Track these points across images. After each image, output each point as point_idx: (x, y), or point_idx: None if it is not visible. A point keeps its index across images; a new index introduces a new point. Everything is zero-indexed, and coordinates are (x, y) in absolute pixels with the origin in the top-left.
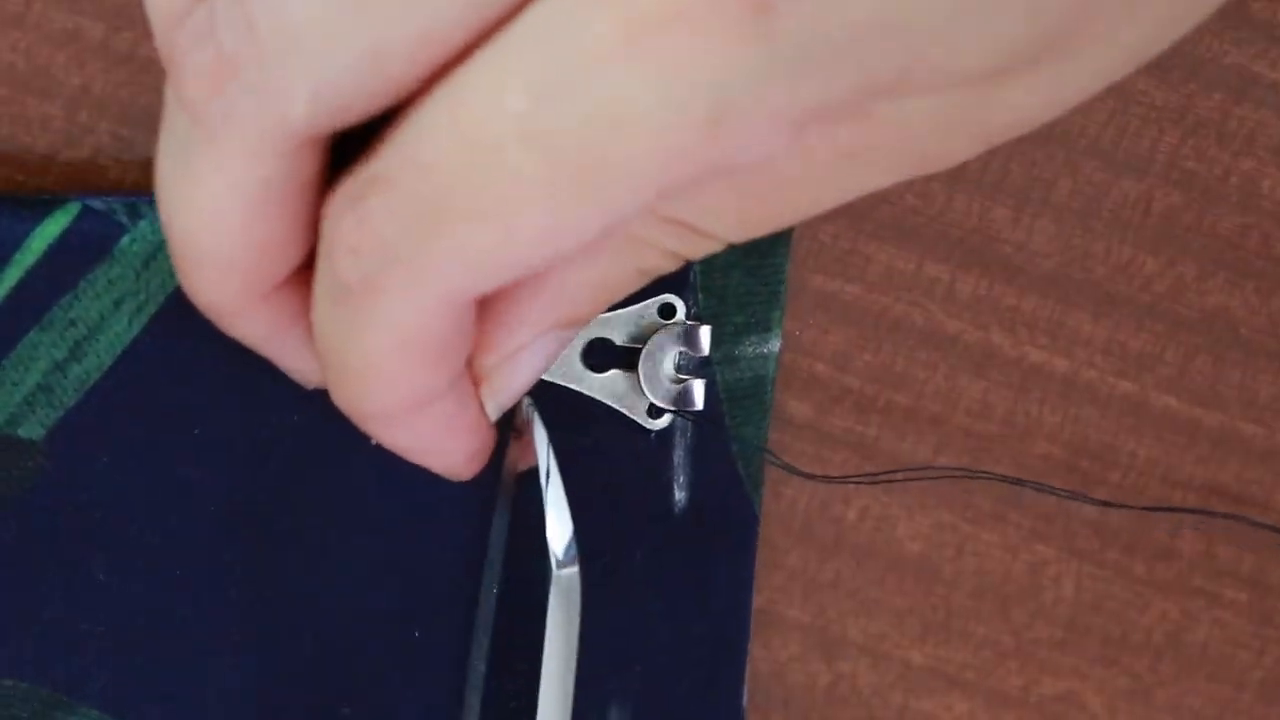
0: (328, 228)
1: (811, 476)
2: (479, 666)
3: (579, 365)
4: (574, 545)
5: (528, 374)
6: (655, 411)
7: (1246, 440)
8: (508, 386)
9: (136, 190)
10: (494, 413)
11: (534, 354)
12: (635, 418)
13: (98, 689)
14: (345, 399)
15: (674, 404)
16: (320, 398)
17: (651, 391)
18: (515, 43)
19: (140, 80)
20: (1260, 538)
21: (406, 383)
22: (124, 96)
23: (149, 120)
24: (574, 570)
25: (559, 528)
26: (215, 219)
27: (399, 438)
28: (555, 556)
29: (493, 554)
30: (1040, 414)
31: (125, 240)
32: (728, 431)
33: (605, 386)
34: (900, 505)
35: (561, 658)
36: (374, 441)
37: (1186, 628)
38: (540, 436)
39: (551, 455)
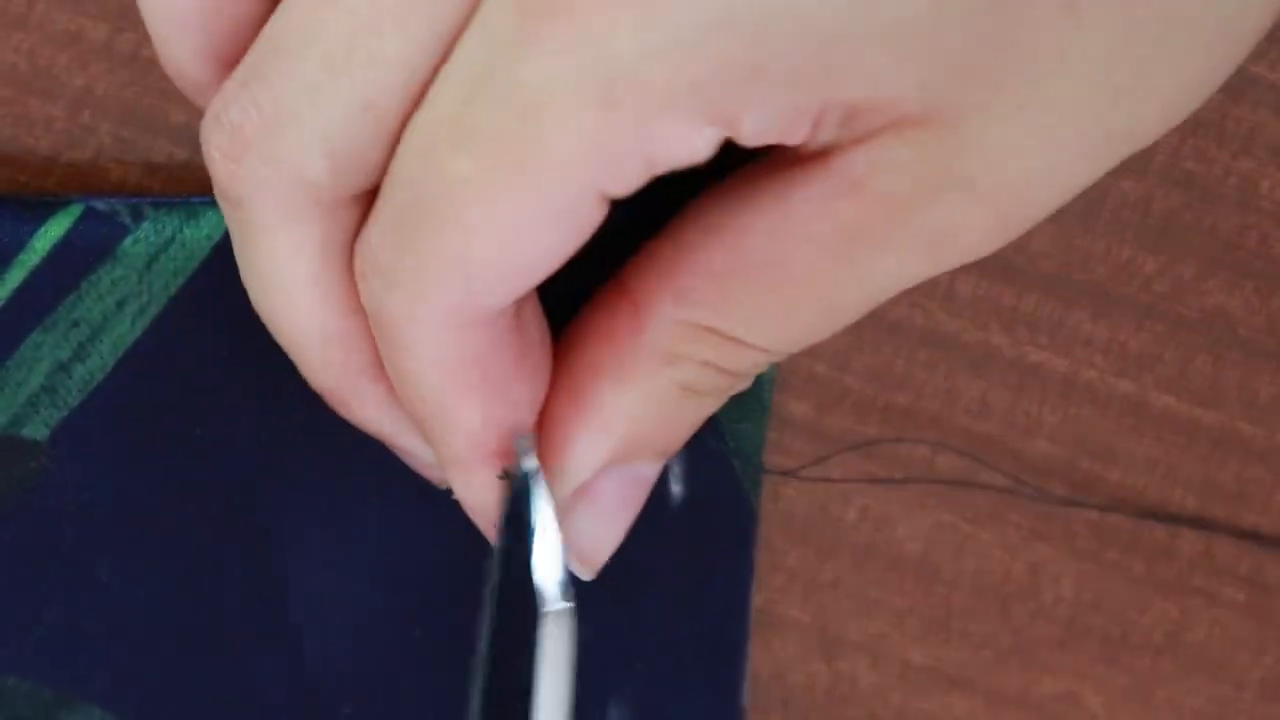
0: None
1: (785, 473)
2: (483, 667)
3: None
4: (568, 580)
5: (611, 525)
6: None
7: (1246, 440)
8: (590, 532)
9: (139, 191)
10: (578, 559)
11: (608, 498)
12: None
13: (100, 688)
14: (426, 453)
15: None
16: (322, 399)
17: None
18: (453, 56)
19: (143, 82)
20: (1260, 536)
21: (463, 416)
22: (127, 98)
23: (151, 122)
24: (566, 607)
25: (549, 564)
26: (290, 298)
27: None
28: (543, 595)
29: (492, 560)
30: (1040, 414)
31: (128, 241)
32: (720, 425)
33: None
34: (900, 505)
35: (556, 697)
36: (374, 442)
37: (1186, 627)
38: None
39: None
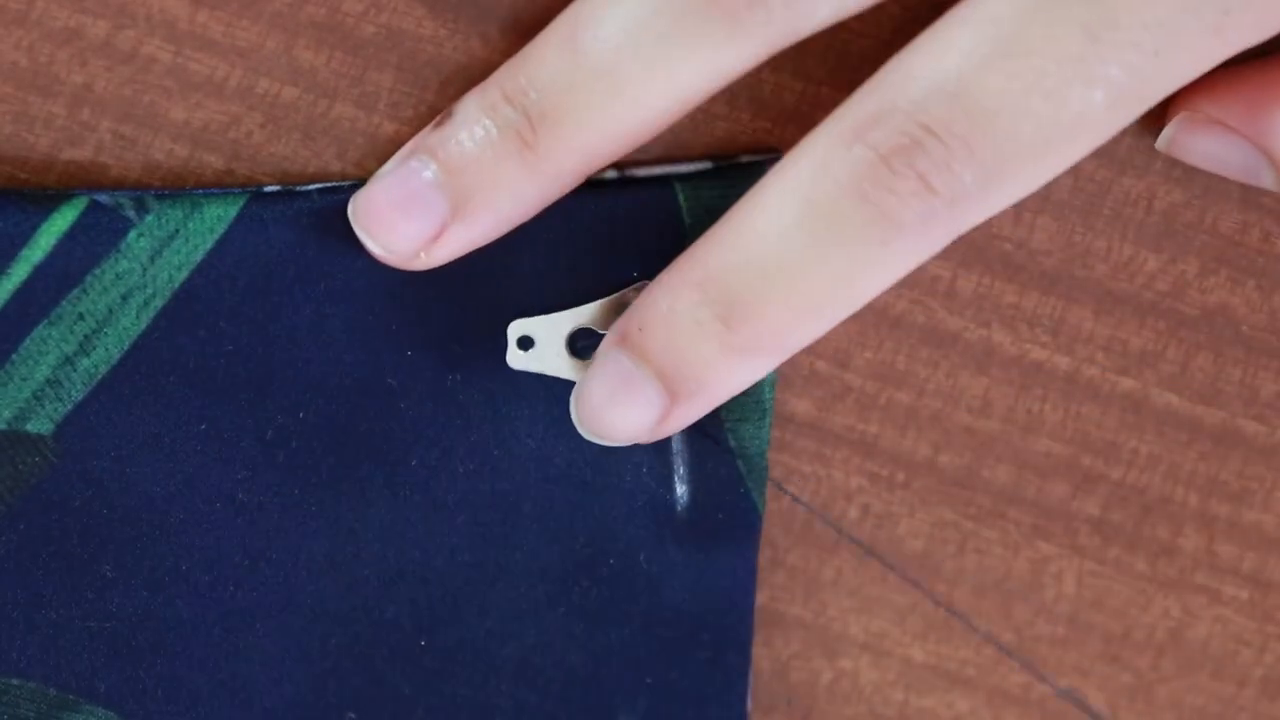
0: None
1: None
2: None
3: (566, 355)
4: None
5: None
6: None
7: (1248, 438)
8: None
9: (139, 188)
10: None
11: None
12: None
13: (104, 688)
14: None
15: None
16: (328, 395)
17: None
18: None
19: (143, 79)
20: (1262, 533)
21: None
22: (126, 95)
23: (151, 119)
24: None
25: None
26: None
27: None
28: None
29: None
30: (1042, 411)
31: (132, 234)
32: (723, 425)
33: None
34: (901, 503)
35: None
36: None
37: (1188, 625)
38: None
39: None
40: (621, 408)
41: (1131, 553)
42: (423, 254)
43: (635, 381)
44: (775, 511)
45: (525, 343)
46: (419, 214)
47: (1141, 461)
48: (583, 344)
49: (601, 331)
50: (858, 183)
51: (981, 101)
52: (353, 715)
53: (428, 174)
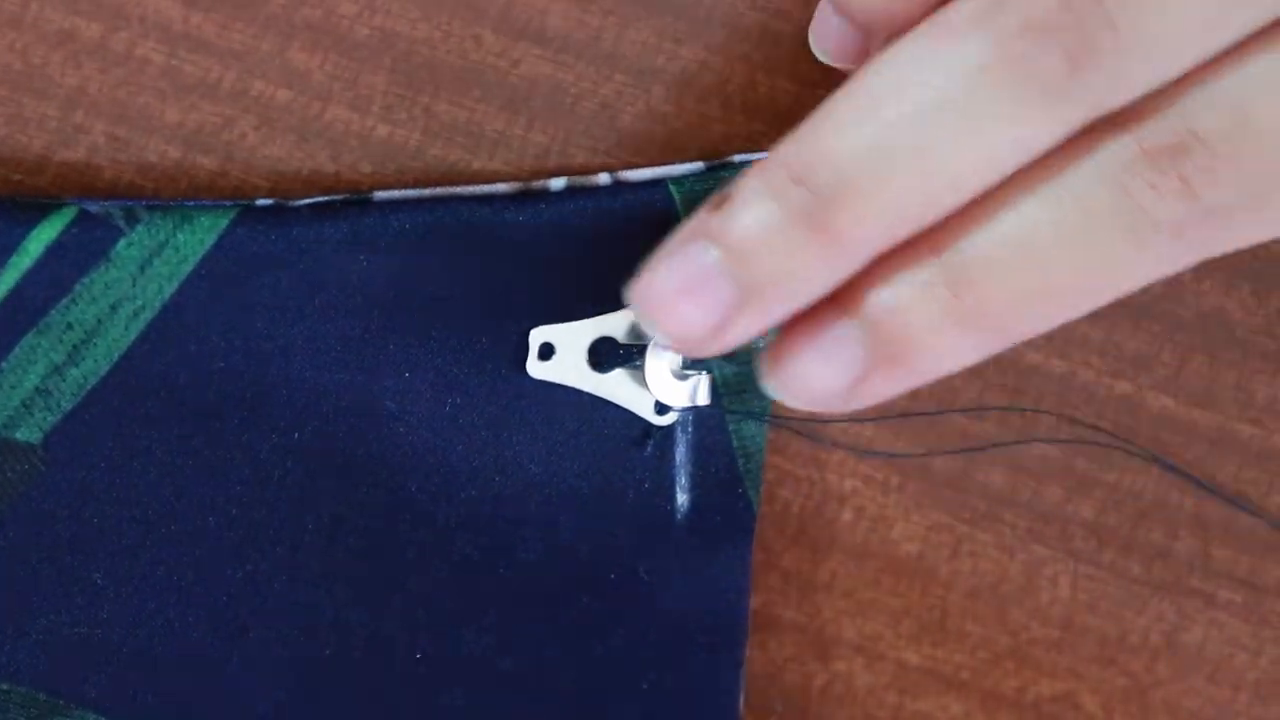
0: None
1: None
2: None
3: (585, 366)
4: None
5: None
6: (661, 408)
7: (1243, 441)
8: None
9: (132, 191)
10: None
11: None
12: (642, 414)
13: (94, 693)
14: None
15: (679, 400)
16: (323, 417)
17: (656, 389)
18: None
19: (136, 81)
20: (1256, 538)
21: None
22: (120, 97)
23: (145, 121)
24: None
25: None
26: None
27: None
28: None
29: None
30: (1037, 414)
31: (122, 244)
32: (726, 423)
33: (611, 385)
34: (896, 506)
35: None
36: (369, 453)
37: (1183, 628)
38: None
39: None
40: (820, 360)
41: (1126, 556)
42: (712, 340)
43: (839, 335)
44: (769, 514)
45: (546, 351)
46: (705, 299)
47: (1136, 465)
48: (603, 354)
49: (622, 341)
50: (1118, 173)
51: (1259, 122)
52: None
53: (711, 257)
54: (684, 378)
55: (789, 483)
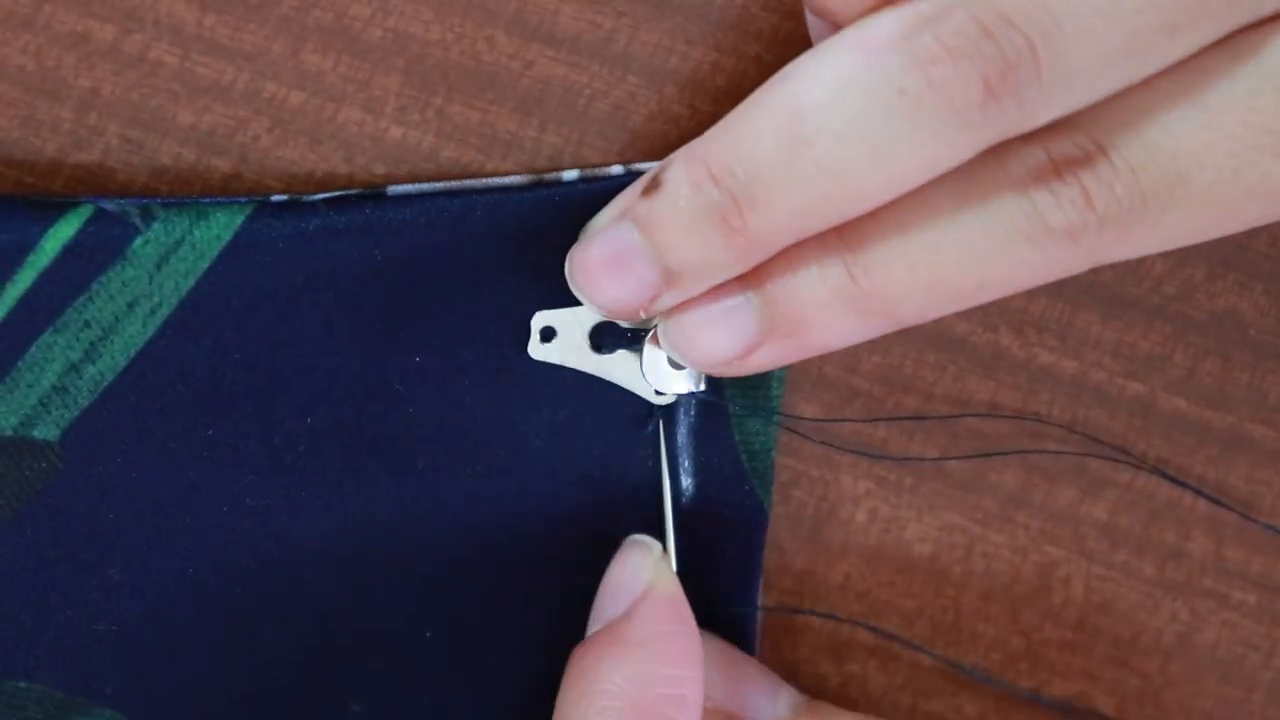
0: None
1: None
2: None
3: (586, 347)
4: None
5: None
6: (660, 393)
7: (1256, 442)
8: None
9: (146, 193)
10: None
11: None
12: (642, 394)
13: (111, 689)
14: None
15: (676, 387)
16: (334, 400)
17: (652, 376)
18: None
19: (150, 83)
20: (1269, 539)
21: None
22: (134, 99)
23: (158, 123)
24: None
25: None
26: None
27: None
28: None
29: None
30: (1049, 415)
31: (138, 242)
32: (729, 418)
33: (611, 366)
34: (909, 507)
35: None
36: (384, 445)
37: (1196, 629)
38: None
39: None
40: (715, 327)
41: (1139, 557)
42: (641, 311)
43: (736, 307)
44: (782, 515)
45: (548, 334)
46: (629, 278)
47: (1148, 465)
48: (605, 339)
49: (625, 326)
50: (1021, 177)
51: (1162, 140)
52: (357, 709)
53: (635, 240)
54: (681, 365)
55: (802, 484)
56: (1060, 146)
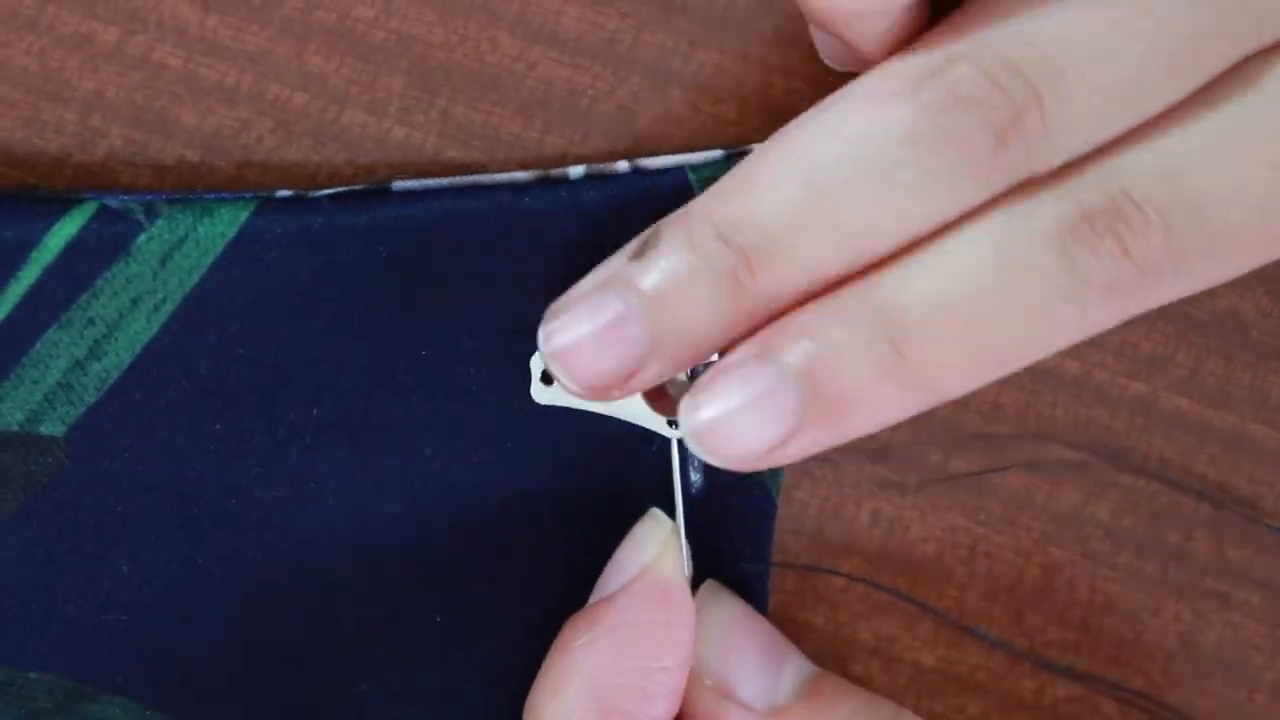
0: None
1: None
2: None
3: None
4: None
5: None
6: (675, 422)
7: (1259, 442)
8: None
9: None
10: None
11: None
12: (654, 429)
13: (120, 679)
14: None
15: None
16: (340, 391)
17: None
18: None
19: (153, 85)
20: (1272, 539)
21: None
22: (137, 101)
23: (162, 125)
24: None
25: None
26: None
27: None
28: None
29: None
30: (1052, 415)
31: (142, 238)
32: None
33: (619, 404)
34: (912, 508)
35: None
36: (388, 437)
37: (1199, 630)
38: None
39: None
40: (753, 420)
41: (1142, 558)
42: (615, 390)
43: (775, 388)
44: (785, 516)
45: (548, 378)
46: (615, 350)
47: (1152, 466)
48: None
49: None
50: (1060, 235)
51: (1193, 184)
52: (364, 688)
53: (625, 308)
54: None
55: (805, 484)
56: (1089, 198)
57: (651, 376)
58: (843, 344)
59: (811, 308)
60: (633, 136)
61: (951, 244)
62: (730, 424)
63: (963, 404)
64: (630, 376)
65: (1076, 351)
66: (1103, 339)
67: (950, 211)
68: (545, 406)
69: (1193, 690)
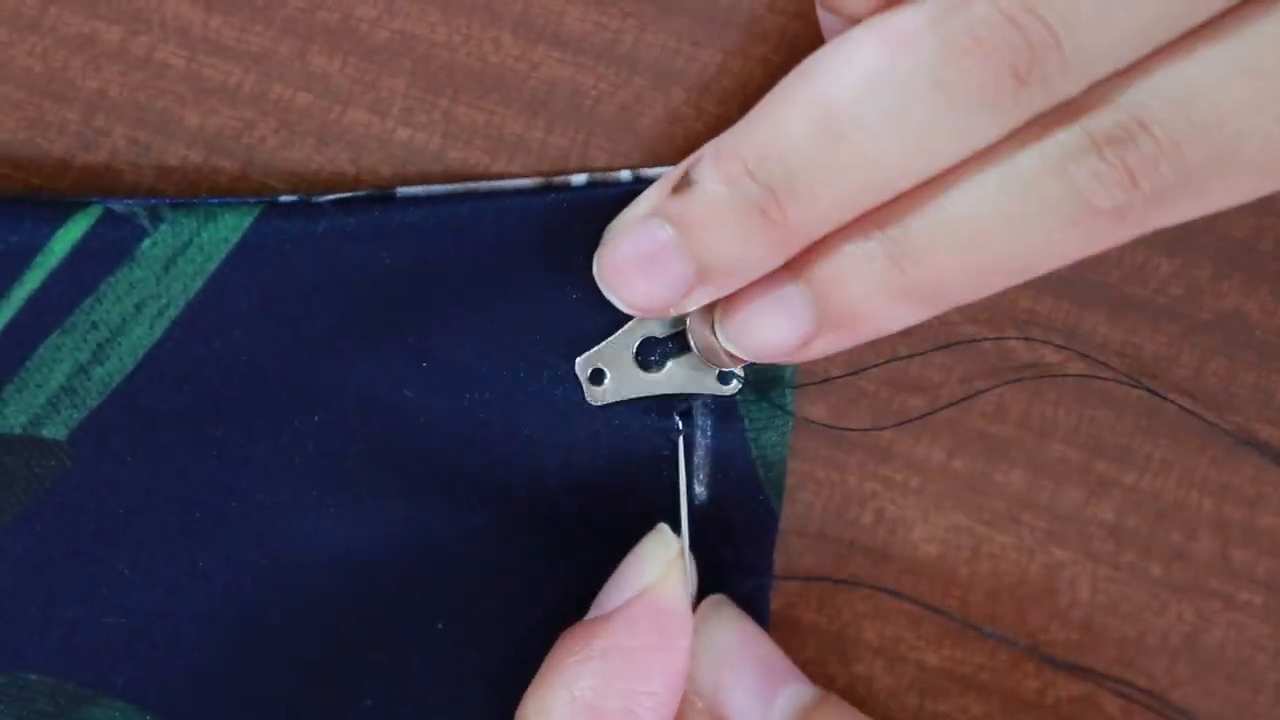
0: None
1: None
2: None
3: (638, 373)
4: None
5: None
6: (724, 377)
7: (1262, 442)
8: None
9: (153, 195)
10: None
11: None
12: (710, 392)
13: (121, 682)
14: None
15: (736, 363)
16: (343, 403)
17: (712, 359)
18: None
19: (157, 84)
20: (1276, 539)
21: None
22: (140, 100)
23: (165, 124)
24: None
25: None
26: None
27: None
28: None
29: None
30: (1056, 416)
31: (146, 243)
32: (744, 433)
33: (667, 381)
34: (916, 508)
35: None
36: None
37: (1203, 630)
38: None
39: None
40: (772, 321)
41: (1146, 558)
42: (671, 309)
43: (790, 300)
44: (789, 517)
45: (598, 376)
46: (663, 276)
47: (1155, 466)
48: (650, 353)
49: (661, 334)
50: (1064, 162)
51: (1207, 110)
52: (370, 702)
53: (668, 237)
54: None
55: (809, 485)
56: (1100, 125)
57: (699, 299)
58: (848, 262)
59: (831, 234)
60: (635, 136)
61: (961, 171)
62: (756, 324)
63: (965, 405)
64: (678, 299)
65: (1081, 351)
66: (1107, 339)
67: (969, 148)
68: (551, 431)
69: (1196, 690)
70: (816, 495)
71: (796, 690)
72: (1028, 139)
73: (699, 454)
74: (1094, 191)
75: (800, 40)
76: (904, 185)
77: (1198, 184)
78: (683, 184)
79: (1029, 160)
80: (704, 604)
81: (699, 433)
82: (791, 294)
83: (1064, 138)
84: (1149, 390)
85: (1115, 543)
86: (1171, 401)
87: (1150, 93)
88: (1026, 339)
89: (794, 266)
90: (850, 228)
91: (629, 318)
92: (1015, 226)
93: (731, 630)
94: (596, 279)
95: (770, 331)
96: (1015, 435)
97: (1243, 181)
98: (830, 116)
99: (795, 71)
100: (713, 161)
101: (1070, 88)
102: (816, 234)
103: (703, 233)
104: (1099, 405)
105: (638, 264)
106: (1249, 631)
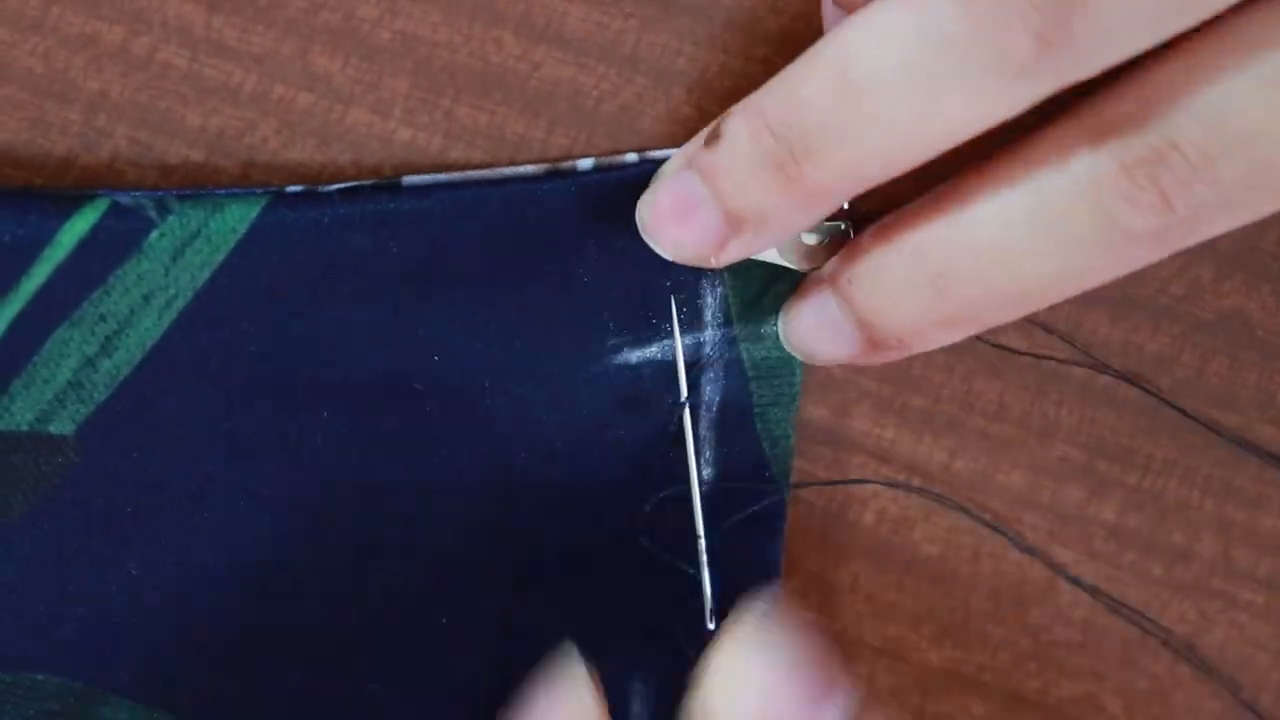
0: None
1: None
2: None
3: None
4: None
5: None
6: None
7: (1264, 442)
8: None
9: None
10: None
11: None
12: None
13: (128, 681)
14: None
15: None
16: (351, 395)
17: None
18: None
19: (158, 85)
20: (1277, 539)
21: None
22: (142, 101)
23: (167, 124)
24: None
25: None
26: None
27: None
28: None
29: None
30: (1057, 416)
31: (154, 235)
32: (752, 407)
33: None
34: (917, 508)
35: None
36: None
37: (1204, 630)
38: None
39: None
40: (827, 342)
41: (1147, 558)
42: (712, 258)
43: (840, 326)
44: (791, 517)
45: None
46: (696, 226)
47: (1157, 466)
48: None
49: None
50: (1096, 188)
51: (1238, 126)
52: (375, 687)
53: (697, 188)
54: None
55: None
56: (1130, 149)
57: (737, 250)
58: (892, 294)
59: (874, 248)
60: (637, 136)
61: (994, 196)
62: (811, 340)
63: (967, 405)
64: (712, 247)
65: (1082, 351)
66: (1108, 340)
67: (991, 115)
68: (557, 408)
69: (1197, 690)
70: (817, 495)
71: (842, 696)
72: (1057, 160)
73: (704, 428)
74: (1126, 216)
75: (802, 41)
76: (922, 152)
77: (1235, 200)
78: (712, 137)
79: (1058, 186)
80: (744, 616)
81: (703, 407)
82: (839, 317)
83: (1094, 163)
84: (1161, 398)
85: (1117, 543)
86: (1172, 404)
87: (1184, 113)
88: (1027, 341)
89: (839, 288)
90: (886, 245)
91: (637, 303)
92: (1048, 252)
93: (776, 642)
94: (638, 225)
95: (823, 348)
96: (1016, 435)
97: (1275, 195)
98: (846, 75)
99: (826, 35)
100: (740, 116)
101: (1092, 62)
102: (835, 196)
103: (728, 184)
104: (1101, 405)
105: (673, 213)
106: (1250, 631)
